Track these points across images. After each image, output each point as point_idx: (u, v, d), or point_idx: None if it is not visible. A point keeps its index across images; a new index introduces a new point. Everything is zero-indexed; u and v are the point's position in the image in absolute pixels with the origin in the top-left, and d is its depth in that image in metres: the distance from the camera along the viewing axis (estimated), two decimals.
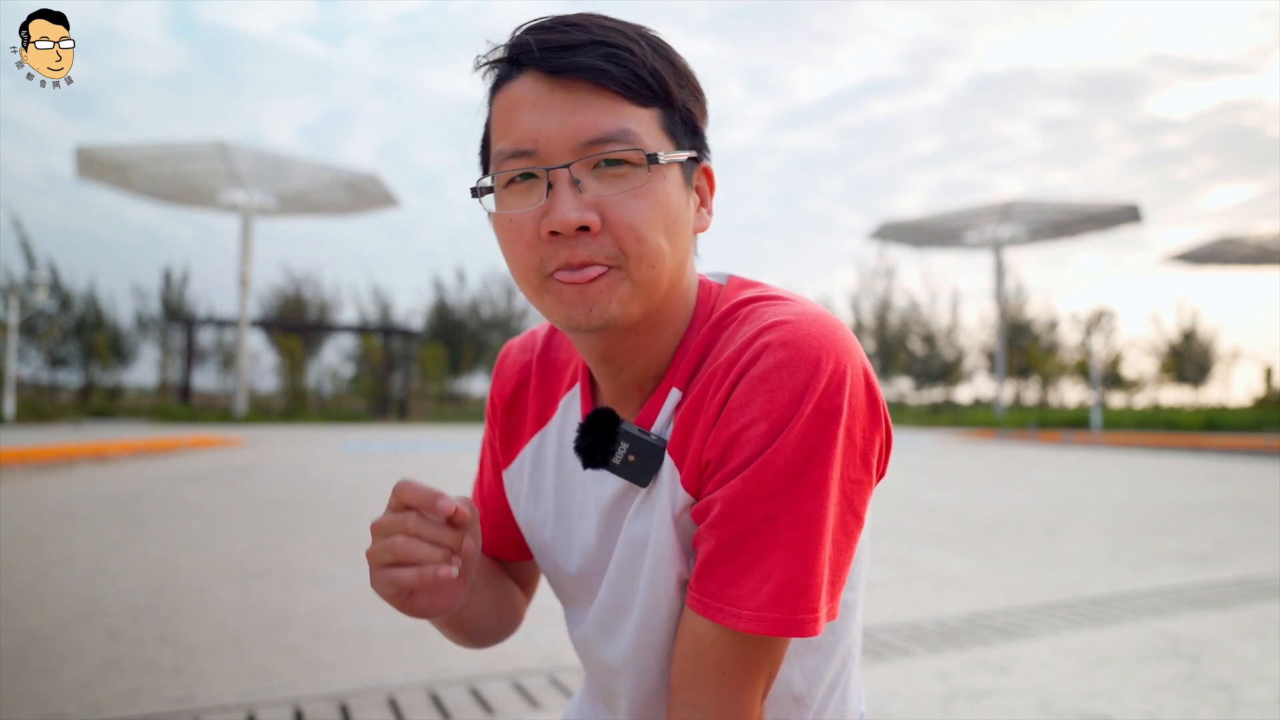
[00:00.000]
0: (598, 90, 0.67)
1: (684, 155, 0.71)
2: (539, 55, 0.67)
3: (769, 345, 0.67)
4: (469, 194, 0.73)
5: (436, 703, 2.17)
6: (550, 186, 0.67)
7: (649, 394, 0.77)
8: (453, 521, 0.70)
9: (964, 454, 14.26)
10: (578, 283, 0.68)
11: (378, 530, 0.71)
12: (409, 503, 0.70)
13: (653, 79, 0.68)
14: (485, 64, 0.72)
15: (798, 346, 0.66)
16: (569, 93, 0.67)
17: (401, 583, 0.69)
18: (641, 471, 0.73)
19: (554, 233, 0.67)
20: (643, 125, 0.68)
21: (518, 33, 0.70)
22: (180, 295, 34.98)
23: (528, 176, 0.68)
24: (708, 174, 0.77)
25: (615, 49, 0.67)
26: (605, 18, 0.70)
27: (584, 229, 0.67)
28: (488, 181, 0.72)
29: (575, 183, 0.67)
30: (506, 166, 0.69)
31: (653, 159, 0.67)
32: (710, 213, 0.77)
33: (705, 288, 0.79)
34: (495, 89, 0.72)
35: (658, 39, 0.72)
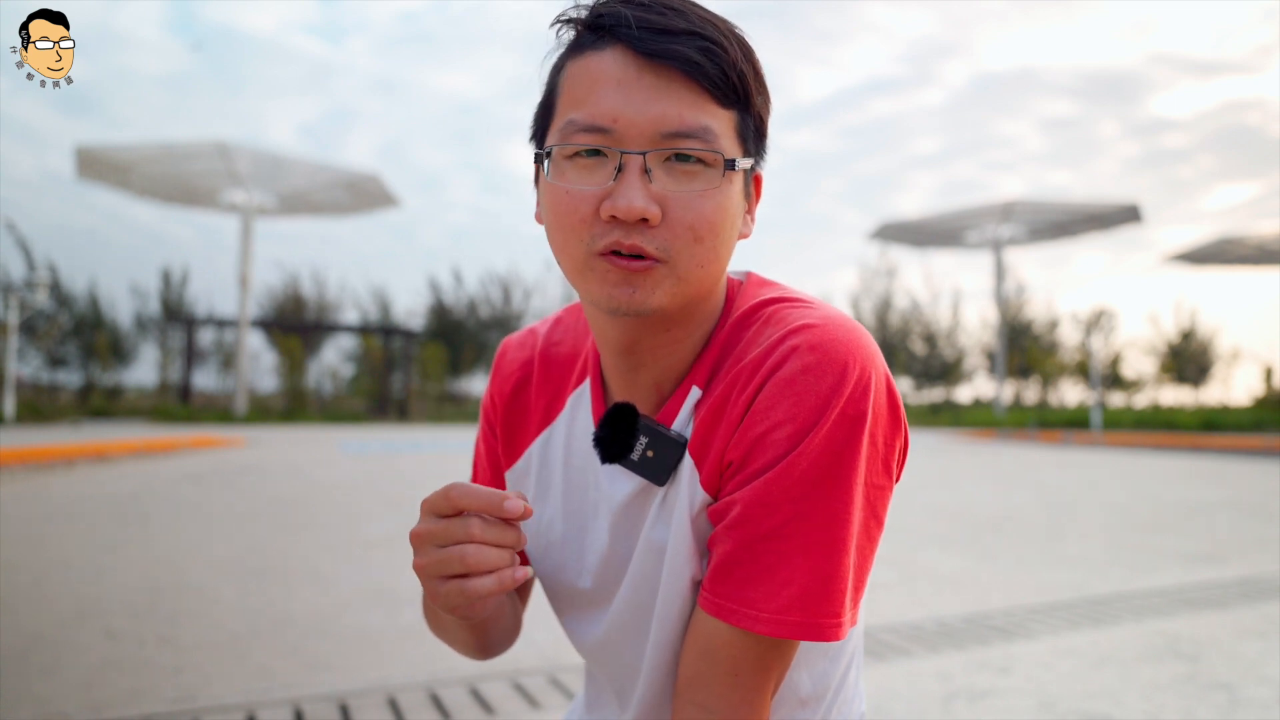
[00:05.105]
0: (687, 82, 0.65)
1: (750, 162, 0.70)
2: (636, 32, 0.65)
3: (796, 349, 0.66)
4: (533, 158, 0.71)
5: (436, 703, 2.17)
6: (620, 170, 0.65)
7: (668, 392, 0.76)
8: (510, 520, 0.66)
9: (964, 454, 14.25)
10: (625, 268, 0.66)
11: (429, 539, 0.65)
12: (468, 507, 0.64)
13: (739, 80, 0.67)
14: (568, 23, 0.70)
15: (825, 351, 0.66)
16: (658, 78, 0.65)
17: (481, 593, 0.64)
18: (660, 468, 0.72)
19: (614, 217, 0.65)
20: (721, 126, 0.67)
21: (612, 1, 0.68)
22: (180, 295, 34.98)
23: (595, 153, 0.66)
24: (757, 181, 0.75)
25: (711, 43, 0.65)
26: (701, 7, 0.68)
27: (644, 220, 0.65)
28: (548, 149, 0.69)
29: (646, 171, 0.65)
30: (577, 139, 0.66)
31: (729, 165, 0.66)
32: (754, 220, 0.76)
33: (730, 286, 0.78)
34: (571, 54, 0.69)
35: (745, 40, 0.70)
